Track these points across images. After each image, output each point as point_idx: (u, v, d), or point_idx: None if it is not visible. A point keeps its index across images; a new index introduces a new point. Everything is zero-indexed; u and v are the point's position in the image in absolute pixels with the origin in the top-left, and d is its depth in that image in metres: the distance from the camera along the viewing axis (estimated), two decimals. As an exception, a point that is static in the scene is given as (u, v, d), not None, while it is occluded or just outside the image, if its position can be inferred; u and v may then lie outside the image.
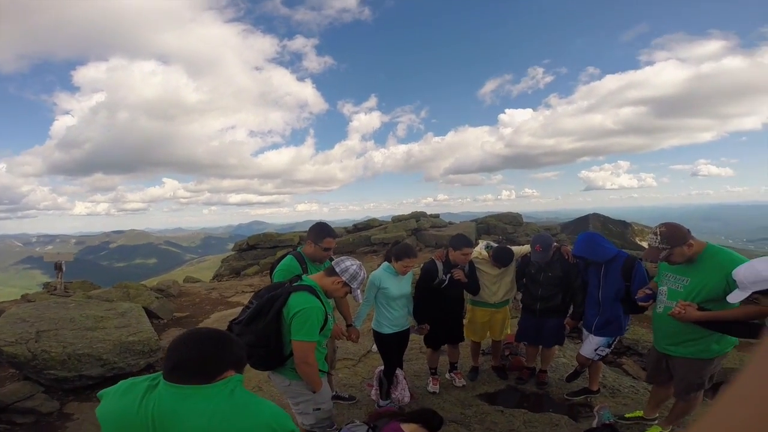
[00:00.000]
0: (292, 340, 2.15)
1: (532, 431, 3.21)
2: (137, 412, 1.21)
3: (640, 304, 2.90)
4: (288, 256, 3.05)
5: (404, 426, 2.35)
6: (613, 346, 3.42)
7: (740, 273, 2.05)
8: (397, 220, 22.02)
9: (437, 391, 3.89)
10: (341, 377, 4.40)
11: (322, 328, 2.24)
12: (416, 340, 4.45)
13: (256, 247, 19.97)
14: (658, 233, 2.49)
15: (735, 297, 2.09)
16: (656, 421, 3.16)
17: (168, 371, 1.24)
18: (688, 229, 2.49)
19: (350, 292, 2.46)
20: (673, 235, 2.45)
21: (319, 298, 2.24)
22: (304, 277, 2.40)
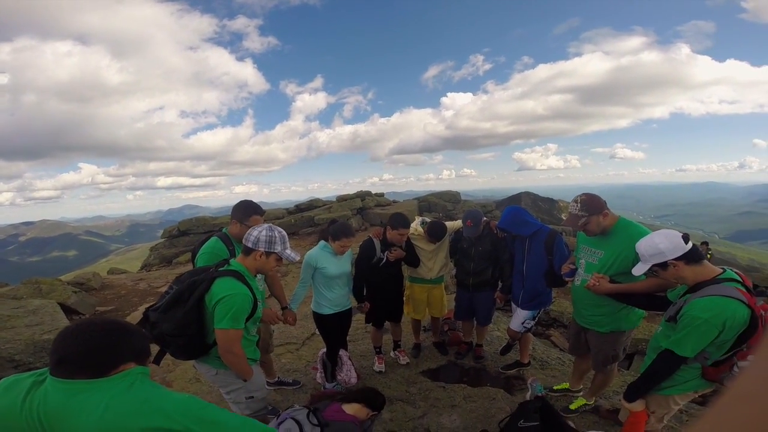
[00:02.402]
0: (215, 329, 2.00)
1: (472, 405, 3.36)
2: (21, 411, 1.09)
3: (566, 279, 2.99)
4: (212, 237, 2.81)
5: (345, 406, 2.35)
6: (537, 319, 3.59)
7: (641, 246, 2.11)
8: (342, 199, 21.83)
9: (383, 369, 3.96)
10: (284, 362, 4.33)
11: (250, 316, 2.10)
12: (360, 319, 4.47)
13: (189, 233, 18.68)
14: (579, 201, 2.58)
15: (638, 269, 2.14)
16: (581, 393, 3.36)
17: (54, 365, 1.12)
18: (604, 201, 2.58)
19: (280, 258, 2.24)
20: (592, 203, 2.54)
21: (246, 283, 2.07)
22: (231, 261, 2.21)
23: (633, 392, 2.13)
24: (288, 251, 2.23)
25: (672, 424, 2.91)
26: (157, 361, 2.18)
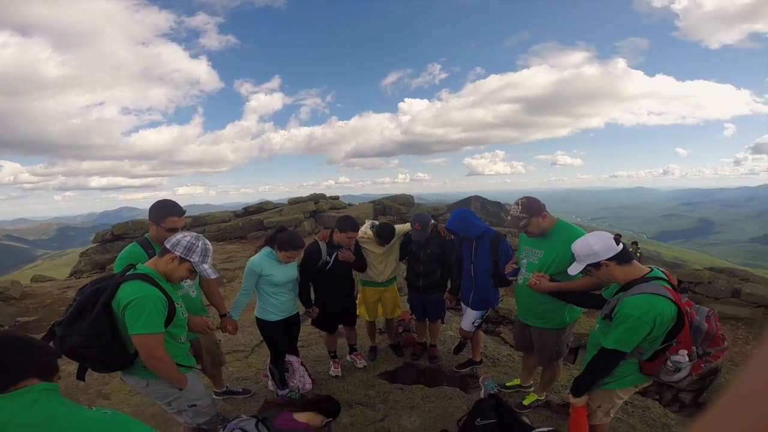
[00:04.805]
0: (131, 336, 1.88)
1: (430, 405, 3.38)
2: None
3: (509, 278, 3.11)
4: (132, 243, 2.61)
5: (297, 415, 2.26)
6: (484, 318, 3.67)
7: (576, 247, 2.17)
8: (294, 202, 21.27)
9: (339, 374, 3.89)
10: (232, 370, 4.13)
11: (169, 320, 1.99)
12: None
13: (124, 237, 17.22)
14: (520, 204, 2.70)
15: (573, 269, 2.20)
16: (532, 389, 3.45)
17: None
18: (544, 204, 2.70)
19: (194, 270, 2.11)
20: (532, 206, 2.65)
21: (157, 285, 1.96)
22: (138, 265, 2.08)
23: (579, 387, 2.20)
24: (206, 266, 2.12)
25: (619, 415, 3.10)
26: (80, 376, 2.02)
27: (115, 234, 17.68)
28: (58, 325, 1.92)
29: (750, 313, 9.06)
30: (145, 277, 1.95)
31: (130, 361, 1.99)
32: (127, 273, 1.98)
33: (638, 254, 12.66)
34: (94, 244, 18.37)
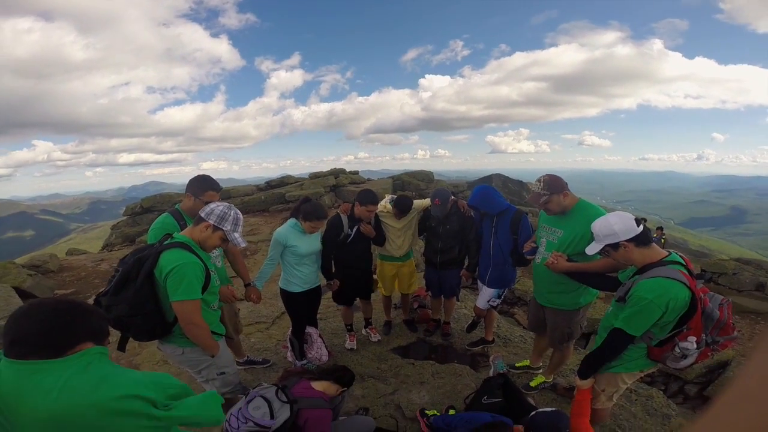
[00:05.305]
0: (172, 303, 1.97)
1: (440, 382, 3.48)
2: None
3: (527, 257, 3.09)
4: (164, 213, 2.75)
5: (314, 384, 2.38)
6: (503, 297, 3.69)
7: (596, 226, 2.14)
8: (315, 176, 21.41)
9: (355, 347, 4.02)
10: (254, 341, 4.33)
11: (205, 287, 2.08)
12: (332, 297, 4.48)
13: (152, 210, 17.79)
14: (542, 180, 2.68)
15: (591, 249, 2.17)
16: (541, 370, 3.48)
17: (7, 346, 1.11)
18: (566, 182, 2.68)
19: (226, 238, 2.19)
20: (554, 183, 2.64)
21: (195, 253, 2.04)
22: (175, 234, 2.17)
23: (586, 368, 2.22)
24: (236, 234, 2.22)
25: (622, 402, 3.11)
26: (121, 347, 2.14)
27: (144, 207, 18.32)
28: (104, 295, 2.01)
29: (771, 309, 8.63)
30: (184, 245, 2.03)
31: (169, 330, 2.09)
32: (166, 242, 2.07)
33: (662, 240, 12.25)
34: (125, 217, 19.09)
